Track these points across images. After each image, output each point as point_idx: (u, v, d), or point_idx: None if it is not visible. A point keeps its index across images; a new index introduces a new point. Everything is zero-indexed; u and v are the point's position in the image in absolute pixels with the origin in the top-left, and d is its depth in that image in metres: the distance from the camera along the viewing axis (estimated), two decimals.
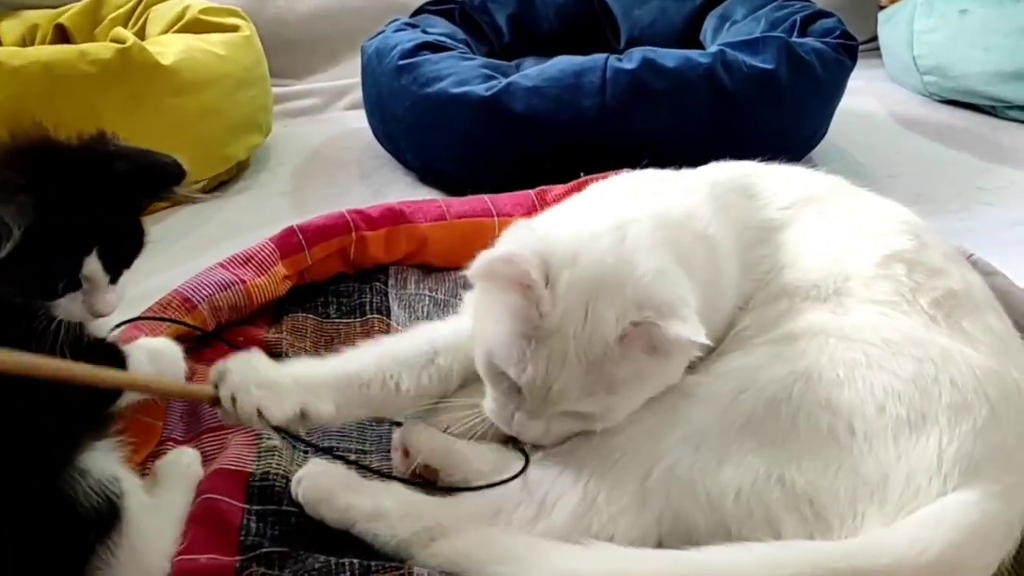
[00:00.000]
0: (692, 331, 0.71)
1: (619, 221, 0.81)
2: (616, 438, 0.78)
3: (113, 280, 0.74)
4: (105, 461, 0.74)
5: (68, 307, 0.72)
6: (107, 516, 0.71)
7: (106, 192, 0.73)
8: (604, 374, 0.75)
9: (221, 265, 1.10)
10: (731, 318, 0.89)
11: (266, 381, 0.79)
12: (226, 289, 1.06)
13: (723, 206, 0.91)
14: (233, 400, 0.78)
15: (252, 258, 1.11)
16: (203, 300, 1.04)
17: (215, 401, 0.78)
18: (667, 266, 0.78)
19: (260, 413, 0.78)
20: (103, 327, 0.80)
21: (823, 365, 0.77)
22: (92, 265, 0.72)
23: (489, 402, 0.82)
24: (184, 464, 0.86)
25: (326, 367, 0.86)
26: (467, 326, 0.88)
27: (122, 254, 0.75)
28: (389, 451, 0.92)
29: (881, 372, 0.76)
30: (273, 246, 1.13)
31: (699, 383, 0.81)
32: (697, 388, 0.80)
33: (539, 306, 0.74)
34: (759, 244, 0.91)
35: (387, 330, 1.11)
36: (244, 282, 1.08)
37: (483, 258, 0.75)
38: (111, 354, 0.79)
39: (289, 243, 1.14)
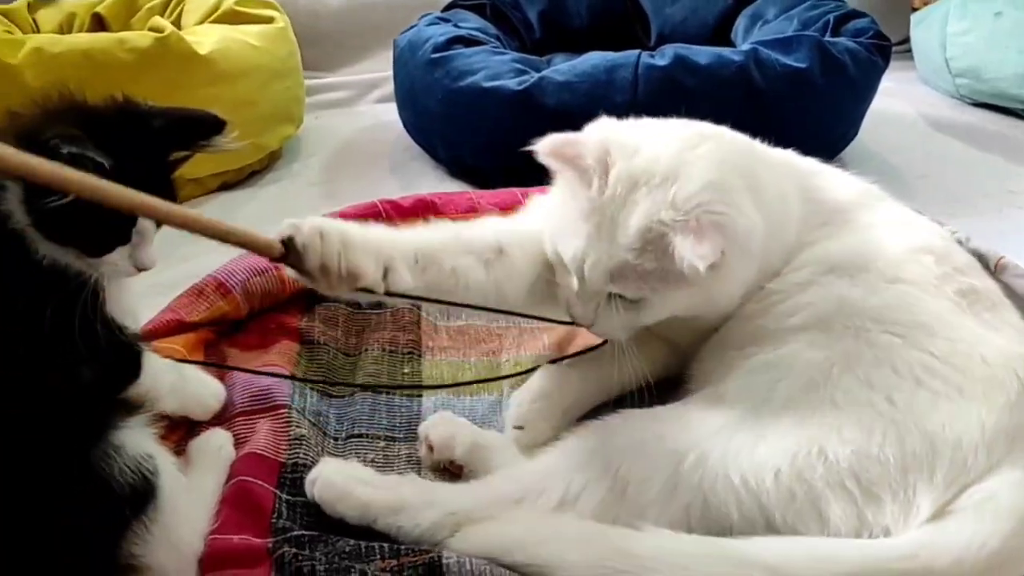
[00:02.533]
0: (699, 256, 0.73)
1: (697, 134, 0.85)
2: (646, 429, 0.78)
3: None
4: (140, 438, 0.75)
5: (114, 261, 0.73)
6: (142, 492, 0.72)
7: (148, 145, 0.74)
8: (631, 262, 0.79)
9: None
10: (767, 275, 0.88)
11: (343, 234, 0.74)
12: (260, 275, 1.08)
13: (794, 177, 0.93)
14: (304, 249, 0.71)
15: None
16: (237, 285, 1.06)
17: (282, 256, 0.71)
18: (726, 182, 0.80)
19: (341, 267, 0.72)
20: (128, 316, 0.81)
21: (860, 348, 0.77)
22: None
23: (559, 288, 0.87)
24: (217, 445, 0.87)
25: (399, 237, 0.82)
26: (531, 224, 0.93)
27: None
28: (416, 438, 0.92)
29: (916, 351, 0.76)
30: None
31: (733, 379, 0.81)
32: (731, 385, 0.80)
33: (590, 188, 0.79)
34: (819, 227, 0.91)
35: (417, 320, 1.12)
36: (278, 268, 1.08)
37: (551, 138, 0.81)
38: (126, 348, 0.80)
39: None
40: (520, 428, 0.91)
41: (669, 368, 0.96)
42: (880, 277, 0.83)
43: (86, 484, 0.70)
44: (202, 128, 0.77)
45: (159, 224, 0.75)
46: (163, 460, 0.76)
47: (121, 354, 0.79)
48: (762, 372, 0.80)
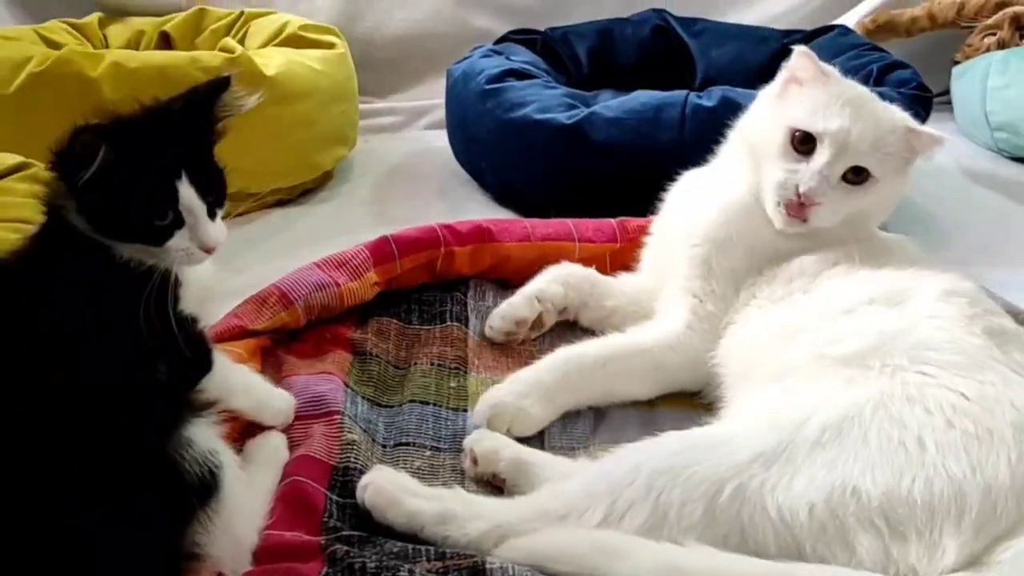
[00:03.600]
0: (937, 137, 1.02)
1: None
2: (685, 454, 0.80)
3: (211, 215, 0.79)
4: (207, 434, 0.79)
5: (179, 246, 0.77)
6: (208, 485, 0.76)
7: (175, 127, 0.79)
8: (885, 138, 1.00)
9: (317, 266, 1.16)
10: None
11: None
12: (321, 290, 1.13)
13: None
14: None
15: (347, 262, 1.17)
16: (300, 298, 1.11)
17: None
18: None
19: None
20: (206, 314, 0.86)
21: (894, 386, 0.81)
22: (186, 191, 0.77)
23: (776, 176, 1.03)
24: (273, 446, 0.92)
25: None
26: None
27: (210, 181, 0.80)
28: (461, 449, 0.96)
29: (948, 392, 0.79)
30: (367, 253, 1.19)
31: (770, 407, 0.84)
32: (770, 412, 0.83)
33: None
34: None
35: (464, 338, 1.16)
36: (338, 285, 1.14)
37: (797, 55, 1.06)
38: (199, 343, 0.84)
39: (382, 252, 1.20)
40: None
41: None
42: (917, 313, 0.88)
43: (161, 474, 0.74)
44: (212, 92, 0.82)
45: (213, 205, 0.80)
46: (227, 456, 0.80)
47: (195, 348, 0.83)
48: (799, 404, 0.82)
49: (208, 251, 0.80)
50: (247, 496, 0.82)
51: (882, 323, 0.87)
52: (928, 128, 1.02)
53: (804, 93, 1.04)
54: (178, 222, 0.77)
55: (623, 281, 1.22)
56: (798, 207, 1.01)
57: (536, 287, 1.18)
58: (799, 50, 1.06)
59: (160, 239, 0.77)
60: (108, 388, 0.74)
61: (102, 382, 0.74)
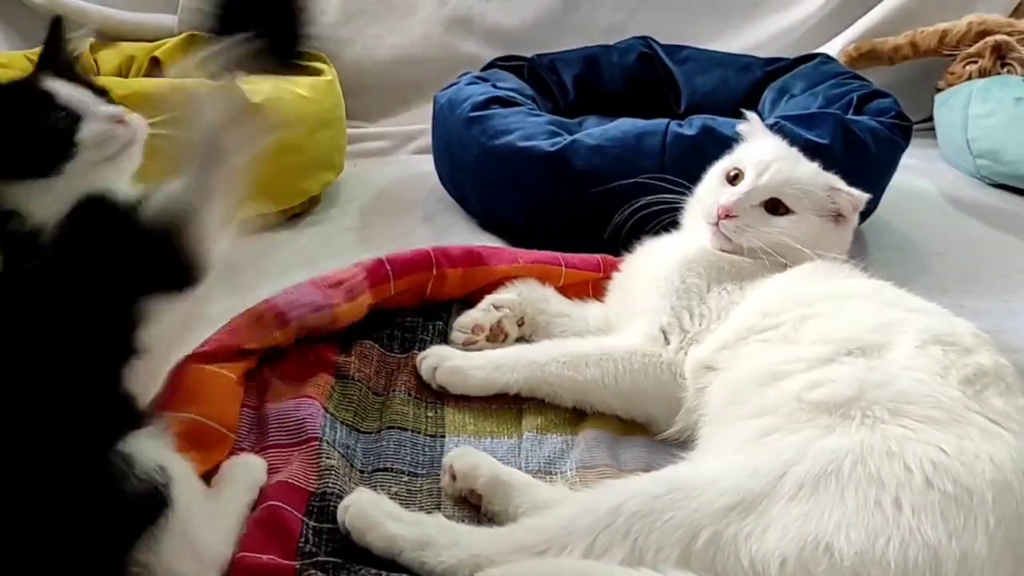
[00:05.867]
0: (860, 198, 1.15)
1: None
2: (668, 497, 0.79)
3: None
4: (153, 448, 0.77)
5: (93, 131, 0.79)
6: (155, 499, 0.74)
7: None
8: (803, 180, 1.14)
9: (314, 284, 1.18)
10: None
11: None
12: (316, 311, 1.14)
13: None
14: None
15: (343, 282, 1.18)
16: (295, 319, 1.12)
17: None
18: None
19: None
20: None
21: (875, 439, 0.79)
22: (60, 86, 0.80)
23: (708, 201, 1.16)
24: (246, 465, 0.93)
25: None
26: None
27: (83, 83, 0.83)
28: (438, 475, 0.97)
29: (927, 447, 0.78)
30: (364, 275, 1.20)
31: (747, 453, 0.84)
32: (750, 460, 0.82)
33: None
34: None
35: None
36: (332, 307, 1.15)
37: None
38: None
39: (378, 274, 1.22)
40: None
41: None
42: (894, 364, 0.87)
43: (98, 487, 0.73)
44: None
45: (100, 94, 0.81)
46: (177, 469, 0.78)
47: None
48: (782, 452, 0.81)
49: (121, 122, 0.79)
50: (210, 511, 0.82)
51: (862, 373, 0.87)
52: (852, 189, 1.15)
53: (746, 145, 1.24)
54: (73, 118, 0.77)
55: (587, 307, 1.25)
56: (718, 222, 1.12)
57: (493, 295, 1.24)
58: (749, 114, 1.28)
59: (69, 141, 0.76)
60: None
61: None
